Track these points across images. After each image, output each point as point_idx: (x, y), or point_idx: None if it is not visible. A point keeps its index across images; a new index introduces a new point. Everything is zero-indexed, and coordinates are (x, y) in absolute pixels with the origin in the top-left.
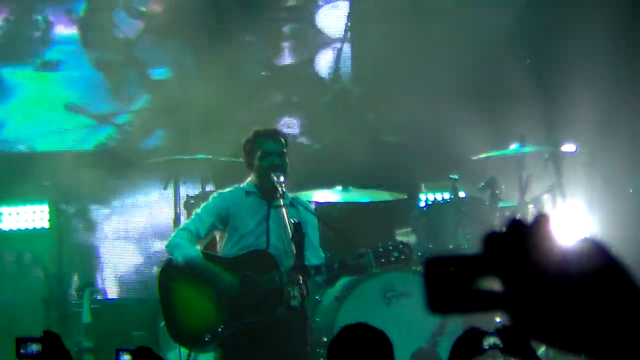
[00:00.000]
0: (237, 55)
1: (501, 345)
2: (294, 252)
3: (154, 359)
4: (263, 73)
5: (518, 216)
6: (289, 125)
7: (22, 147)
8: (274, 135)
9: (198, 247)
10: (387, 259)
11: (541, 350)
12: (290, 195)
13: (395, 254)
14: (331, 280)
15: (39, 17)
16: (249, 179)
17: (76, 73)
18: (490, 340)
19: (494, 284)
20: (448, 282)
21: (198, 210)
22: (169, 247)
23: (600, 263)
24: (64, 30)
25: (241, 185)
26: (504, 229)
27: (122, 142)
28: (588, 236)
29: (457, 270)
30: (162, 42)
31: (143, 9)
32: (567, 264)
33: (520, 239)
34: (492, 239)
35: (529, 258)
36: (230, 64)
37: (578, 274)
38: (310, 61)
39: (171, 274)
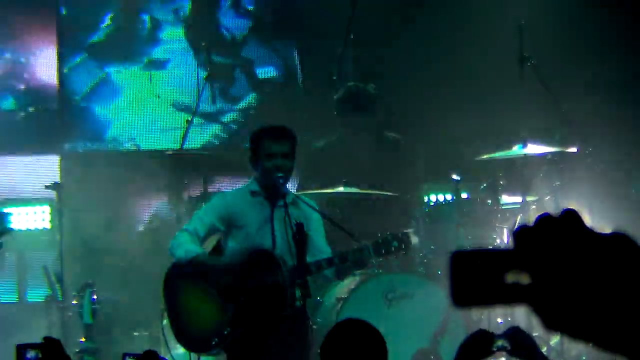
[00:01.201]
0: None
1: (509, 348)
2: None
3: None
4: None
5: (547, 212)
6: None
7: (128, 146)
8: (281, 136)
9: (198, 246)
10: (387, 249)
11: (554, 340)
12: (292, 194)
13: (395, 243)
14: (341, 273)
15: (146, 17)
16: (252, 178)
17: (182, 72)
18: (498, 343)
19: (521, 278)
20: (474, 275)
21: (198, 211)
22: (171, 249)
23: (629, 257)
24: (171, 29)
25: (245, 185)
26: (532, 224)
27: (228, 141)
28: (618, 231)
29: (484, 264)
30: (268, 41)
31: (250, 7)
32: (596, 259)
33: (550, 233)
34: (521, 233)
35: (558, 252)
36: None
37: (607, 269)
38: None
39: (176, 277)
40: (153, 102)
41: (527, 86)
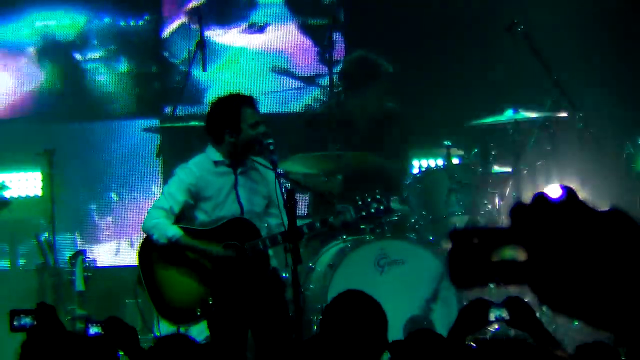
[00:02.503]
0: None
1: (507, 318)
2: (286, 218)
3: (124, 329)
4: None
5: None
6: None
7: None
8: (256, 103)
9: (175, 225)
10: (367, 210)
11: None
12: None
13: (375, 204)
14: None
15: None
16: (210, 147)
17: (281, 35)
18: (496, 312)
19: (518, 255)
20: (471, 254)
21: (168, 187)
22: (147, 229)
23: (627, 234)
24: None
25: (204, 155)
26: (529, 201)
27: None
28: (614, 207)
29: (481, 242)
30: None
31: None
32: (594, 236)
33: (546, 210)
34: (518, 210)
35: (555, 230)
36: None
37: (605, 246)
38: None
39: (151, 253)
40: (252, 65)
41: (518, 52)
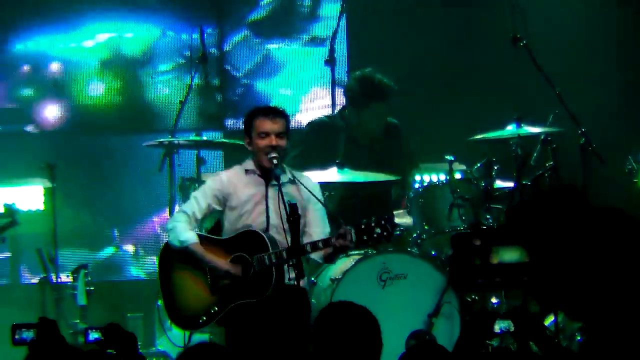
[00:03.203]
0: None
1: (513, 330)
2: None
3: (123, 336)
4: None
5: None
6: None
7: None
8: (274, 115)
9: (195, 230)
10: (369, 235)
11: (549, 320)
12: (289, 173)
13: (378, 230)
14: (329, 258)
15: None
16: (249, 158)
17: (342, 49)
18: (501, 324)
19: (517, 256)
20: (472, 258)
21: (195, 193)
22: (167, 230)
23: (624, 233)
24: (331, 5)
25: (242, 165)
26: (526, 198)
27: None
28: (612, 207)
29: (483, 244)
30: None
31: None
32: (591, 233)
33: (544, 207)
34: (514, 208)
35: (553, 226)
36: None
37: (603, 243)
38: None
39: (170, 257)
40: (312, 78)
41: (521, 67)
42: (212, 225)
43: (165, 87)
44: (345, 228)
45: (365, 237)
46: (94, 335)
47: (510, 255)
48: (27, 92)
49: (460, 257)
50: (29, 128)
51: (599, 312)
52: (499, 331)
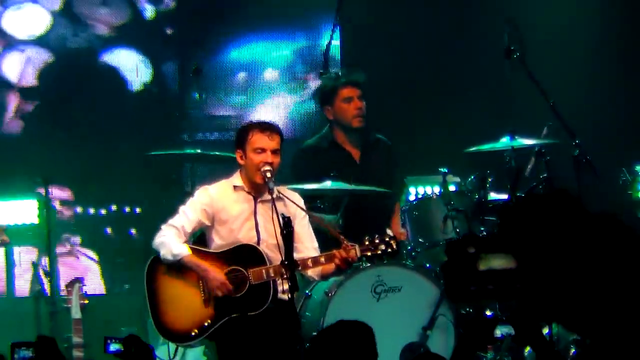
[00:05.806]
0: None
1: (513, 334)
2: (283, 247)
3: (142, 347)
4: None
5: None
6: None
7: None
8: (272, 131)
9: (185, 244)
10: (374, 252)
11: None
12: (276, 189)
13: (382, 247)
14: (325, 276)
15: None
16: (236, 173)
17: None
18: (502, 329)
19: (505, 262)
20: (466, 267)
21: (184, 206)
22: (155, 245)
23: (618, 238)
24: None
25: (228, 180)
26: (516, 201)
27: None
28: (606, 213)
29: (477, 251)
30: None
31: None
32: (584, 239)
33: (536, 211)
34: (504, 210)
35: (544, 231)
36: None
37: (596, 249)
38: None
39: (158, 271)
40: None
41: (515, 78)
42: (193, 240)
43: None
44: (350, 244)
45: (369, 254)
46: (115, 346)
47: (498, 261)
48: (242, 99)
49: (454, 265)
50: None
51: (595, 322)
52: (500, 336)
